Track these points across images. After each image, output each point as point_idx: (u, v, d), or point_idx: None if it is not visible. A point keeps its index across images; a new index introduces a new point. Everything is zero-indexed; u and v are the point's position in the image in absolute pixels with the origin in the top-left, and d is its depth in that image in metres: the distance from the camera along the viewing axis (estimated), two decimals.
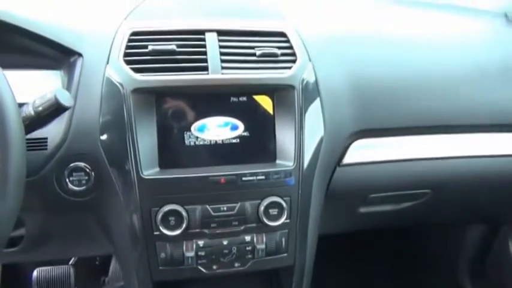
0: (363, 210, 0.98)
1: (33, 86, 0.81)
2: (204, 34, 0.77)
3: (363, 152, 0.86)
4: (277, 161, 0.77)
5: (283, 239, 0.77)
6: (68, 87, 0.75)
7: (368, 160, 0.87)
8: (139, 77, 0.71)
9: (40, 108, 0.61)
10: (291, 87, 0.75)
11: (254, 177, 0.74)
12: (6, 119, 0.53)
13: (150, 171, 0.72)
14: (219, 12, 0.84)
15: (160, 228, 0.71)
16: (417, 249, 1.54)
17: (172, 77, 0.72)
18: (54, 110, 0.62)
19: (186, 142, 0.74)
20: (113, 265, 1.22)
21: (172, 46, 0.73)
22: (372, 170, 0.88)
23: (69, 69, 0.76)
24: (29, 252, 0.85)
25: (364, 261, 1.53)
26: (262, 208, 0.74)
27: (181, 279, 0.76)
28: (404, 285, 1.48)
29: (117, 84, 0.71)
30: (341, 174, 0.86)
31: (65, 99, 0.62)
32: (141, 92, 0.71)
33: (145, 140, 0.72)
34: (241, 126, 0.76)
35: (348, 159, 0.85)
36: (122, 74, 0.71)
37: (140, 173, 0.70)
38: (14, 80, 0.81)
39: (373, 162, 0.87)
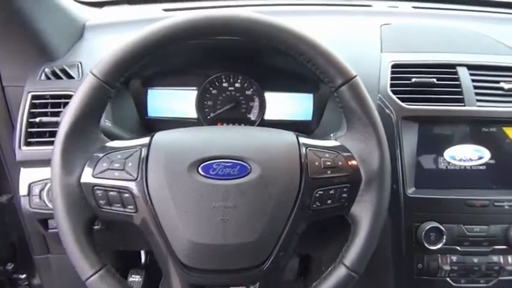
0: None
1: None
2: (455, 68, 0.85)
3: None
4: None
5: None
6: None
7: None
8: (406, 106, 0.81)
9: None
10: None
11: (505, 203, 0.80)
12: None
13: (409, 190, 0.81)
14: (463, 46, 0.91)
15: (424, 242, 0.79)
16: None
17: (434, 107, 0.81)
18: None
19: (439, 166, 0.82)
20: None
21: (432, 79, 0.82)
22: None
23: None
24: None
25: None
26: (511, 232, 0.80)
27: None
28: None
29: (388, 112, 0.81)
30: None
31: None
32: (408, 119, 0.81)
33: (407, 162, 0.81)
34: (487, 154, 0.82)
35: None
36: (391, 102, 0.81)
37: (406, 190, 0.80)
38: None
39: None
